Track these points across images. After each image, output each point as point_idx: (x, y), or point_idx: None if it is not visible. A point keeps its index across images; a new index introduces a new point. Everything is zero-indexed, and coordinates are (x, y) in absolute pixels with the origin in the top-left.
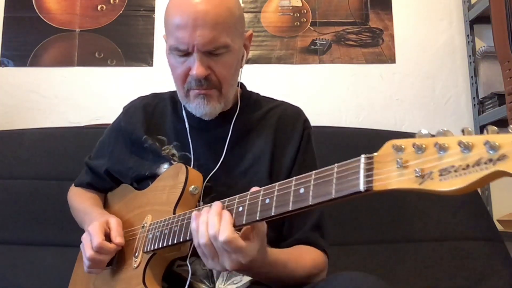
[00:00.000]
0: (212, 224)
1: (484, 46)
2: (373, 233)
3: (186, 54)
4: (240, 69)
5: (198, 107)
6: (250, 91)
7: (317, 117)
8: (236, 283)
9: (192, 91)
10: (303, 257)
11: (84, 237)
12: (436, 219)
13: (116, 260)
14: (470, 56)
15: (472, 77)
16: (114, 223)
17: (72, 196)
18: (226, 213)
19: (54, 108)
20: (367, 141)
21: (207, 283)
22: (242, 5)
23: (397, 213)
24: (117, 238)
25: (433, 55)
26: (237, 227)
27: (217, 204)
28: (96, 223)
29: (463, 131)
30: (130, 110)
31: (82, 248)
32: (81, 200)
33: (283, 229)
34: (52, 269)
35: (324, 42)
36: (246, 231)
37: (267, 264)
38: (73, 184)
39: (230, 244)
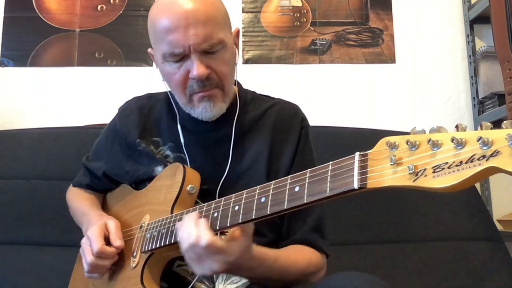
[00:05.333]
0: (190, 233)
1: (484, 46)
2: (373, 233)
3: (182, 58)
4: (235, 66)
5: (205, 111)
6: (246, 90)
7: (317, 117)
8: (236, 283)
9: (195, 95)
10: (296, 255)
11: (84, 242)
12: (436, 219)
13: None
14: (470, 56)
15: (472, 77)
16: (113, 225)
17: (70, 196)
18: (202, 220)
19: (54, 108)
20: (367, 141)
21: (207, 283)
22: (242, 5)
23: (397, 213)
24: (117, 241)
25: (433, 55)
26: (219, 230)
27: (193, 214)
28: (95, 227)
29: (457, 127)
30: (125, 112)
31: (81, 253)
32: (79, 201)
33: (282, 231)
34: (52, 269)
35: (324, 42)
36: (233, 232)
37: (255, 261)
38: (71, 185)
39: (211, 248)
